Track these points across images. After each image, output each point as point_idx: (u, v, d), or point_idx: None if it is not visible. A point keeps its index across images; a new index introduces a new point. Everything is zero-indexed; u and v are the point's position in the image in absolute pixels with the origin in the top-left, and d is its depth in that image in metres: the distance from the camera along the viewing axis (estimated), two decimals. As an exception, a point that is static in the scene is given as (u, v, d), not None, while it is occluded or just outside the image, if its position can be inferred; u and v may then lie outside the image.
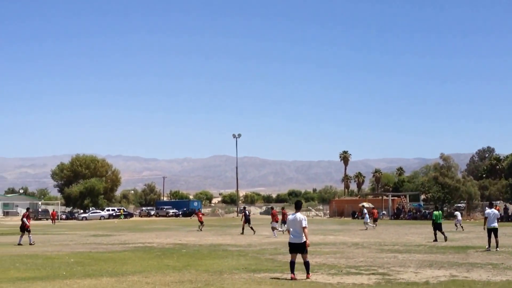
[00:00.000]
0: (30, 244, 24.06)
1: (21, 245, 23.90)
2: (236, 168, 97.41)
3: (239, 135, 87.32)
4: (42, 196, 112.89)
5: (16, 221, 70.16)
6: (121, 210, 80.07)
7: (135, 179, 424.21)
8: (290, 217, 12.53)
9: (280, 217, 32.22)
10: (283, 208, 41.26)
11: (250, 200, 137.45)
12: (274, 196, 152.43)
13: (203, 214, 39.67)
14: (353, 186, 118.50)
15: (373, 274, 12.99)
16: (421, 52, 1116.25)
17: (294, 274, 12.10)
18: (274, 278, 12.37)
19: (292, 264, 12.22)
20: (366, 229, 36.39)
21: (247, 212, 33.41)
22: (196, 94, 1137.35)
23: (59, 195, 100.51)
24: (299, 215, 12.26)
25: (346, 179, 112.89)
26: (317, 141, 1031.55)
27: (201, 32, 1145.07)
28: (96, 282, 11.95)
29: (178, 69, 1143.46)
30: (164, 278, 12.56)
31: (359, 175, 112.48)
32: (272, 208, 33.34)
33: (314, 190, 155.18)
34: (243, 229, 32.26)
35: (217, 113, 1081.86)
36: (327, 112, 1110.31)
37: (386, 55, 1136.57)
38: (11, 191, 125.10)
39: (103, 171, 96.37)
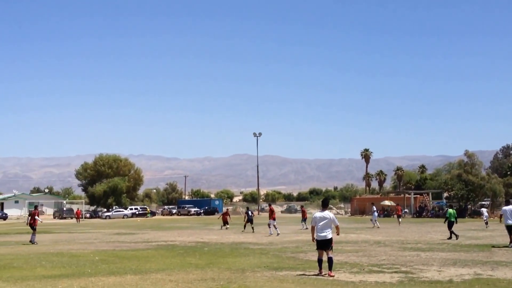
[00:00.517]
0: (32, 242, 23.74)
1: (36, 243, 23.79)
2: (257, 166, 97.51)
3: (260, 134, 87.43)
4: (67, 195, 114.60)
5: (41, 220, 71.38)
6: (147, 209, 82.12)
7: (157, 178, 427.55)
8: (317, 214, 12.75)
9: (300, 215, 32.10)
10: (302, 206, 41.40)
11: (271, 198, 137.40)
12: (295, 194, 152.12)
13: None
14: (374, 184, 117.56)
15: (395, 272, 12.92)
16: (443, 52, 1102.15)
17: (322, 269, 12.51)
18: (297, 276, 12.42)
19: (320, 261, 12.62)
20: (373, 226, 36.49)
21: (249, 212, 34.39)
22: (217, 94, 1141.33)
23: (83, 194, 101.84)
24: (328, 213, 12.72)
25: (367, 177, 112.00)
26: (338, 139, 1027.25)
27: (223, 34, 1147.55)
28: (121, 280, 12.12)
29: (200, 70, 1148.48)
30: (187, 276, 12.69)
31: (380, 173, 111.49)
32: (269, 205, 32.56)
33: (335, 188, 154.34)
34: (244, 226, 33.53)
35: (238, 112, 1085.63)
36: (348, 110, 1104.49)
37: (407, 56, 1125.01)
38: (37, 190, 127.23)
39: (126, 170, 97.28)
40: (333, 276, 12.22)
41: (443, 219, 26.03)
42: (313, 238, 12.80)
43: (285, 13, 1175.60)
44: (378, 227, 36.12)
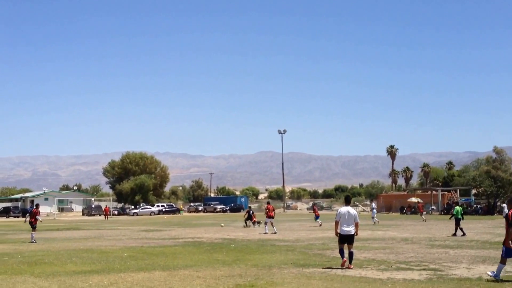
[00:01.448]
0: (32, 242, 23.30)
1: (35, 242, 23.37)
2: (282, 163, 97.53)
3: (285, 131, 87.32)
4: (95, 193, 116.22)
5: (71, 217, 72.69)
6: (181, 206, 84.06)
7: (183, 176, 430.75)
8: (341, 210, 13.38)
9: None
10: (314, 205, 42.02)
11: (297, 195, 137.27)
12: (320, 191, 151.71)
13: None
14: (400, 181, 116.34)
15: (424, 269, 12.82)
16: (470, 45, 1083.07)
17: (345, 258, 13.17)
18: (324, 273, 12.42)
19: (342, 251, 13.26)
20: (374, 223, 37.16)
21: (251, 211, 36.63)
22: (241, 91, 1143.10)
23: (111, 191, 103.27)
24: (351, 209, 13.31)
25: (393, 174, 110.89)
26: (364, 135, 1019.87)
27: (246, 31, 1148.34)
28: (149, 276, 12.28)
29: (224, 67, 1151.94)
30: (215, 272, 12.80)
31: (407, 170, 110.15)
32: (268, 203, 32.27)
33: (361, 185, 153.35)
34: (245, 222, 35.63)
35: (263, 110, 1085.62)
36: (373, 106, 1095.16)
37: (433, 49, 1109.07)
38: (66, 187, 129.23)
39: (152, 167, 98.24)
40: (352, 268, 12.91)
41: (471, 215, 26.16)
42: (337, 233, 13.33)
43: (308, 7, 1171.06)
44: (374, 223, 37.30)
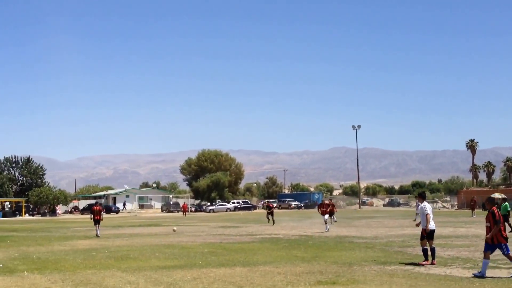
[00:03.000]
0: (97, 235, 25.21)
1: (99, 236, 25.29)
2: (357, 159, 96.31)
3: (359, 127, 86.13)
4: (173, 190, 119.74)
5: (150, 213, 75.39)
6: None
7: (257, 173, 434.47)
8: (420, 206, 13.74)
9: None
10: (330, 200, 41.17)
11: (372, 192, 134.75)
12: (396, 187, 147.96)
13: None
14: (482, 176, 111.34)
15: (513, 268, 12.23)
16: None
17: (427, 260, 13.09)
18: (407, 271, 12.14)
19: (425, 250, 13.27)
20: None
21: (270, 206, 37.60)
22: (314, 86, 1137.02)
23: (187, 188, 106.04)
24: (426, 204, 13.57)
25: (474, 169, 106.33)
26: (441, 129, 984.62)
27: (316, 26, 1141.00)
28: (231, 271, 12.51)
29: (299, 65, 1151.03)
30: (294, 268, 12.83)
31: (488, 165, 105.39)
32: (330, 200, 30.92)
33: (440, 181, 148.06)
34: (268, 219, 35.68)
35: (336, 105, 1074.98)
36: (451, 98, 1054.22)
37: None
38: (145, 185, 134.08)
39: (227, 165, 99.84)
40: (435, 264, 12.87)
41: None
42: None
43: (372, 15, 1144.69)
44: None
